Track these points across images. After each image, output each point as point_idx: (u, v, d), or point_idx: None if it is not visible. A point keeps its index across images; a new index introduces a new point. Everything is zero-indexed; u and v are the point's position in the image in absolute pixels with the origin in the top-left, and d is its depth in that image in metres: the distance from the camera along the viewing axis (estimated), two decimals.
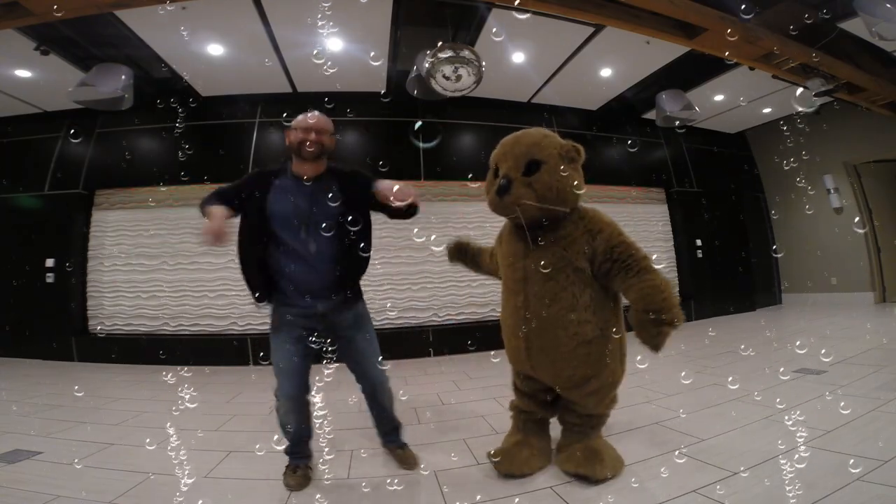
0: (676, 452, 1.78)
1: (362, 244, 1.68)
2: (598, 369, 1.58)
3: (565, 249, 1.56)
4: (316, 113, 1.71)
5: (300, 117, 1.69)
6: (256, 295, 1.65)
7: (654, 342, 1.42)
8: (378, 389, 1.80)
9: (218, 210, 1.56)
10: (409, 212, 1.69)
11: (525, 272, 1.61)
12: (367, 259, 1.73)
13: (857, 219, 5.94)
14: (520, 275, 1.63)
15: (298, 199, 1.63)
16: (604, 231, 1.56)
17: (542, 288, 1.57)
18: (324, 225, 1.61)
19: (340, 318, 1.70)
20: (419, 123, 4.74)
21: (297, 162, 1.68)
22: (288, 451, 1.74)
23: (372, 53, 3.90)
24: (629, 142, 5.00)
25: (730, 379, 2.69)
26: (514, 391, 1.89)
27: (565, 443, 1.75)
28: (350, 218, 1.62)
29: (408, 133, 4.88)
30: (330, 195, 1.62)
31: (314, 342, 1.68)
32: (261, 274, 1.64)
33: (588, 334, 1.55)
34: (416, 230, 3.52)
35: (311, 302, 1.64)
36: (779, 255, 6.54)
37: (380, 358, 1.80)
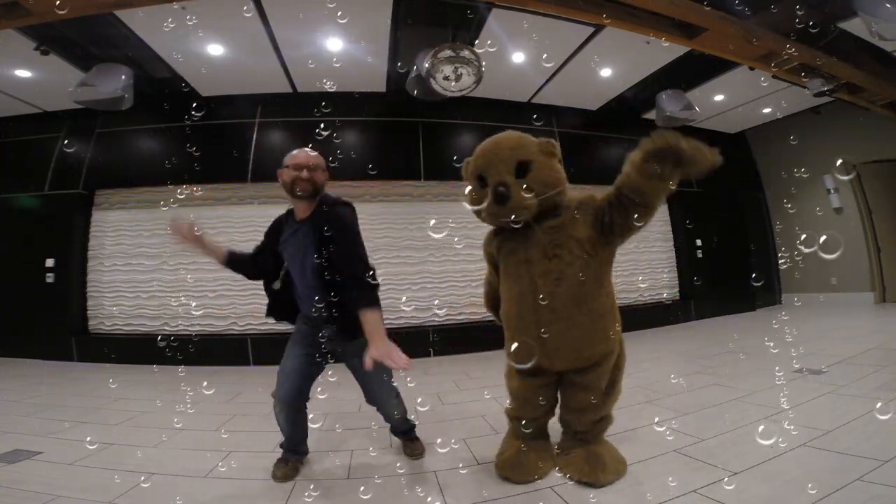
0: (676, 452, 1.78)
1: (348, 289, 1.59)
2: (614, 346, 1.61)
3: (566, 228, 1.57)
4: (306, 150, 1.73)
5: (291, 155, 1.71)
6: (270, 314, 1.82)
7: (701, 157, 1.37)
8: (386, 411, 1.87)
9: (216, 249, 1.78)
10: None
11: (527, 253, 1.58)
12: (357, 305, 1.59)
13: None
14: (522, 257, 1.60)
15: (296, 239, 1.70)
16: (595, 196, 1.61)
17: (546, 267, 1.54)
18: (310, 268, 1.66)
19: (346, 347, 1.71)
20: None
21: (294, 201, 1.72)
22: (282, 446, 1.82)
23: (370, 59, 3.89)
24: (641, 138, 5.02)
25: (730, 379, 2.69)
26: (512, 399, 1.77)
27: (567, 446, 1.72)
28: (335, 261, 1.58)
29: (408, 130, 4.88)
30: (309, 239, 1.65)
31: (320, 360, 1.75)
32: (277, 301, 1.80)
33: (602, 308, 1.57)
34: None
35: (319, 330, 1.71)
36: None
37: (393, 382, 1.83)
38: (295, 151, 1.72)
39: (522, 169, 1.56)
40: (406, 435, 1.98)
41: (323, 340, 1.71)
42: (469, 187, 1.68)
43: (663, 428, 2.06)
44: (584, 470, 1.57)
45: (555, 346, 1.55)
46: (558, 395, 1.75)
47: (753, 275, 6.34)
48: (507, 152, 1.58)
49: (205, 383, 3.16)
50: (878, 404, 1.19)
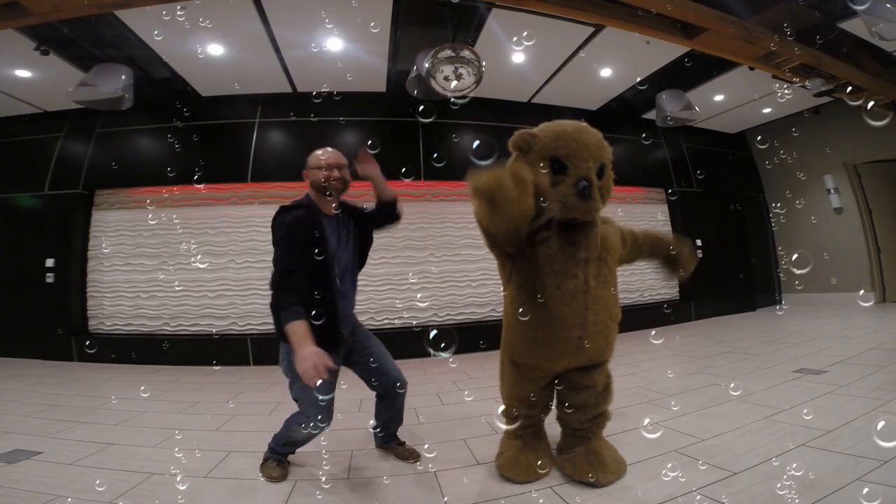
0: (676, 452, 1.78)
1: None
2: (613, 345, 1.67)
3: (608, 235, 1.63)
4: (332, 150, 1.78)
5: (318, 156, 1.75)
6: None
7: (681, 266, 1.76)
8: (402, 386, 1.85)
9: (299, 331, 1.43)
10: (394, 213, 1.89)
11: (587, 253, 1.52)
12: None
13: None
14: (581, 256, 1.52)
15: (331, 234, 1.71)
16: (615, 226, 1.71)
17: (597, 269, 1.55)
18: (348, 255, 1.76)
19: (355, 334, 1.81)
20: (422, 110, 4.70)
21: (322, 199, 1.73)
22: (279, 452, 1.80)
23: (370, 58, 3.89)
24: (643, 135, 5.01)
25: (730, 379, 2.69)
26: (511, 401, 1.72)
27: (566, 445, 1.73)
28: (364, 246, 1.84)
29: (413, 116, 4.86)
30: (352, 228, 1.80)
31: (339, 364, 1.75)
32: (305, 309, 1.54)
33: (619, 312, 1.63)
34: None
35: (342, 331, 1.70)
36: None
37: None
38: (319, 152, 1.76)
39: (601, 171, 1.54)
40: (395, 438, 1.97)
41: (345, 346, 1.74)
42: (534, 165, 1.49)
43: (663, 428, 2.06)
44: (586, 470, 1.57)
45: (588, 347, 1.54)
46: (554, 394, 1.75)
47: (752, 259, 6.37)
48: (594, 148, 1.51)
49: (205, 384, 3.15)
50: (881, 423, 1.19)
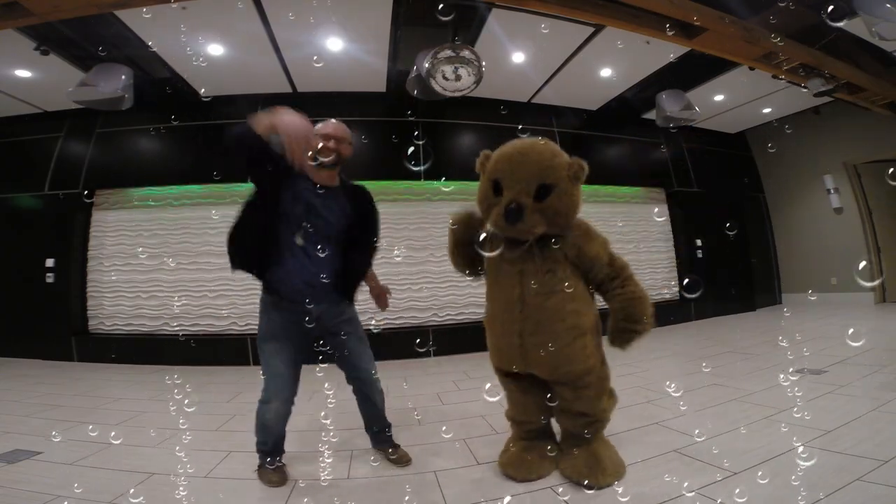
0: (676, 452, 1.78)
1: (362, 257, 1.82)
2: (594, 363, 1.59)
3: (565, 248, 1.57)
4: (333, 121, 1.76)
5: (321, 124, 1.73)
6: (242, 268, 1.68)
7: (626, 345, 1.54)
8: (371, 387, 1.84)
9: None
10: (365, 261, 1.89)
11: (523, 265, 1.56)
12: (366, 270, 1.89)
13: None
14: (517, 268, 1.58)
15: (312, 204, 1.67)
16: (595, 240, 1.60)
17: (540, 280, 1.54)
18: (332, 235, 1.70)
19: (334, 318, 1.75)
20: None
21: (314, 168, 1.70)
22: (269, 451, 1.74)
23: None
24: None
25: (730, 379, 2.69)
26: (508, 402, 1.81)
27: (566, 446, 1.72)
28: (356, 232, 1.77)
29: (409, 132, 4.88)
30: (341, 208, 1.73)
31: (309, 345, 1.74)
32: (254, 259, 1.67)
33: (584, 325, 1.56)
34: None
35: (309, 306, 1.66)
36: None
37: (372, 361, 1.85)
38: (324, 122, 1.75)
39: (543, 191, 1.49)
40: (385, 440, 1.93)
41: (311, 324, 1.67)
42: (483, 186, 1.61)
43: (663, 428, 2.06)
44: (584, 472, 1.57)
45: (534, 357, 1.56)
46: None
47: (752, 260, 6.38)
48: (532, 169, 1.49)
49: (205, 384, 3.15)
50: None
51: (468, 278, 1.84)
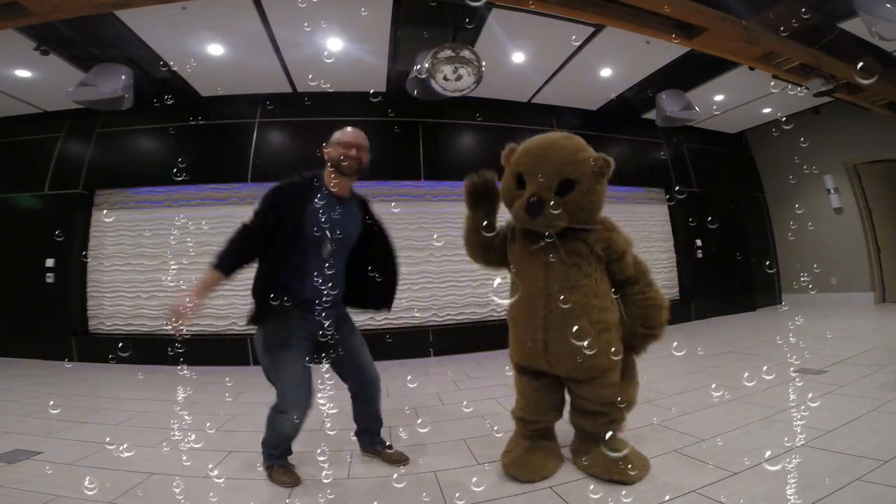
0: (676, 452, 1.78)
1: (381, 263, 1.82)
2: (616, 362, 1.58)
3: (586, 241, 1.58)
4: (350, 129, 1.77)
5: (340, 133, 1.74)
6: (262, 312, 1.69)
7: (642, 349, 1.65)
8: (374, 384, 1.86)
9: (209, 279, 1.64)
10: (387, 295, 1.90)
11: (547, 259, 1.56)
12: (397, 274, 1.89)
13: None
14: (541, 262, 1.56)
15: (334, 217, 1.69)
16: (623, 237, 1.64)
17: (564, 274, 1.54)
18: (352, 244, 1.76)
19: (339, 324, 1.77)
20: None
21: (335, 177, 1.72)
22: (278, 455, 1.75)
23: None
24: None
25: (730, 379, 2.68)
26: (518, 398, 1.78)
27: (583, 447, 1.69)
28: (373, 239, 1.82)
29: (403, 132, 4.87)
30: (358, 217, 1.79)
31: (319, 352, 1.75)
32: (275, 290, 1.65)
33: (609, 321, 1.56)
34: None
35: (326, 315, 1.68)
36: (771, 271, 6.63)
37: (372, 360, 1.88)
38: (342, 131, 1.76)
39: (566, 186, 1.51)
40: (380, 441, 1.92)
41: (329, 333, 1.68)
42: (506, 179, 1.64)
43: (663, 428, 2.06)
44: (612, 469, 1.55)
45: (557, 352, 1.55)
46: (566, 397, 1.74)
47: (767, 262, 6.37)
48: (555, 164, 1.51)
49: (205, 384, 3.15)
50: None
51: (485, 269, 1.86)
